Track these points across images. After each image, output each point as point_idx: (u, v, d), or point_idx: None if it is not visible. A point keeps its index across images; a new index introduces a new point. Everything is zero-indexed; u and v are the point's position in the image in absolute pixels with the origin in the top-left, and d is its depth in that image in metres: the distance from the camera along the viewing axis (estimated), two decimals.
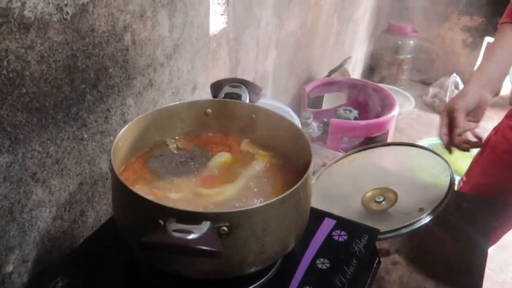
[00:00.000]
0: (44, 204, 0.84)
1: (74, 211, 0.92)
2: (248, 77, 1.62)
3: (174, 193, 0.78)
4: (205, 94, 1.31)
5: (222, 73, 1.40)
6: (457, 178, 1.64)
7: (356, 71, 3.23)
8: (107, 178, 0.99)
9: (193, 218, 0.61)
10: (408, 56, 3.49)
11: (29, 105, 0.75)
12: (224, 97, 0.91)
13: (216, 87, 0.93)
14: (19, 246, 0.81)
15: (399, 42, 3.41)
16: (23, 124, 0.75)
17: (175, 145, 0.90)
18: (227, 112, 0.90)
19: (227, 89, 0.92)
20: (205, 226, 0.60)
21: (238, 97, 0.90)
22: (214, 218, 0.62)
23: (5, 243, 0.78)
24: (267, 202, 0.65)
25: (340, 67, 2.56)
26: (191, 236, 0.58)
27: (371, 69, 3.61)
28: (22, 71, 0.72)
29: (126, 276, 0.80)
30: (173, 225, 0.59)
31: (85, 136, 0.90)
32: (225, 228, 0.62)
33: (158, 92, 1.09)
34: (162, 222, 0.61)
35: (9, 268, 0.81)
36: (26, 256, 0.83)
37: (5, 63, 0.69)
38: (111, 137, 0.97)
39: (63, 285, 0.75)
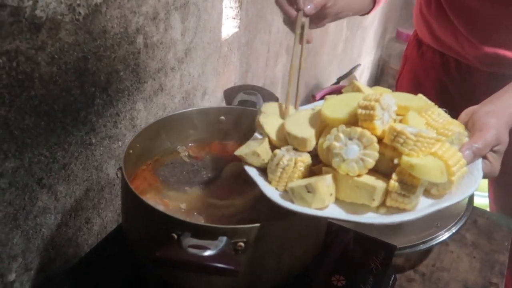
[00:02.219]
0: (49, 210, 0.81)
1: (80, 218, 0.89)
2: (258, 83, 1.59)
3: (186, 204, 0.75)
4: (215, 99, 1.28)
5: (232, 79, 1.37)
6: (478, 194, 1.62)
7: (363, 79, 3.20)
8: (114, 185, 0.96)
9: (209, 232, 0.58)
10: None
11: (38, 108, 0.72)
12: (238, 105, 0.88)
13: (230, 93, 0.91)
14: (22, 254, 0.78)
15: None
16: (31, 128, 0.72)
17: (186, 153, 0.87)
18: (241, 120, 0.86)
19: (241, 96, 0.89)
20: (222, 241, 0.57)
21: (253, 104, 0.87)
22: (231, 233, 0.59)
23: (8, 251, 0.75)
24: (286, 217, 0.62)
25: (348, 75, 2.53)
26: (207, 253, 0.55)
27: (377, 77, 3.59)
28: (31, 72, 0.69)
29: None
30: (188, 240, 0.56)
31: (93, 141, 0.86)
32: (241, 244, 0.59)
33: (168, 96, 1.06)
34: (175, 236, 0.58)
35: (12, 277, 0.77)
36: (29, 264, 0.80)
37: (14, 64, 0.66)
38: (120, 142, 0.94)
39: None
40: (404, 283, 0.92)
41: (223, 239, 0.57)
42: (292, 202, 0.61)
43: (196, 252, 0.55)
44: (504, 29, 1.06)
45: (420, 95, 0.77)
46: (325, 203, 0.60)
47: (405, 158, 0.59)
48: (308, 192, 0.59)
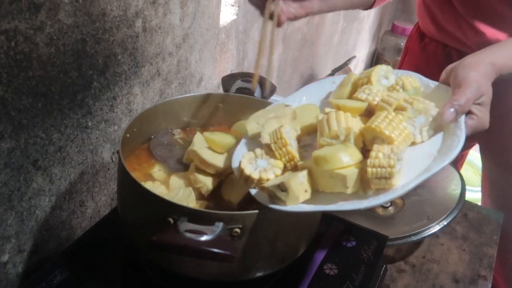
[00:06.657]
0: (43, 192, 0.81)
1: (74, 201, 0.89)
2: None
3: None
4: (211, 86, 1.28)
5: (229, 66, 1.37)
6: (470, 189, 1.63)
7: (358, 71, 3.20)
8: (108, 169, 0.96)
9: (205, 218, 0.58)
10: None
11: (35, 89, 0.72)
12: (236, 92, 0.88)
13: (228, 80, 0.90)
14: (16, 235, 0.78)
15: (402, 44, 3.39)
16: (28, 109, 0.71)
17: (181, 136, 0.87)
18: (238, 107, 0.87)
19: (239, 83, 0.89)
20: (218, 227, 0.57)
21: (251, 92, 0.87)
22: (227, 219, 0.59)
23: (1, 232, 0.75)
24: None
25: (344, 66, 2.53)
26: (204, 238, 0.55)
27: None
28: (29, 53, 0.68)
29: (126, 271, 0.77)
30: (185, 225, 0.57)
31: (90, 124, 0.86)
32: (237, 230, 0.60)
33: (165, 82, 1.05)
34: (172, 221, 0.58)
35: (4, 258, 0.77)
36: (22, 246, 0.80)
37: (12, 44, 0.65)
38: (115, 126, 0.93)
39: (62, 279, 0.72)
40: (394, 273, 0.93)
41: (220, 224, 0.58)
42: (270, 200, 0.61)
43: (192, 237, 0.55)
44: (507, 17, 1.06)
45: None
46: (299, 201, 0.60)
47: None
48: (282, 191, 0.59)
